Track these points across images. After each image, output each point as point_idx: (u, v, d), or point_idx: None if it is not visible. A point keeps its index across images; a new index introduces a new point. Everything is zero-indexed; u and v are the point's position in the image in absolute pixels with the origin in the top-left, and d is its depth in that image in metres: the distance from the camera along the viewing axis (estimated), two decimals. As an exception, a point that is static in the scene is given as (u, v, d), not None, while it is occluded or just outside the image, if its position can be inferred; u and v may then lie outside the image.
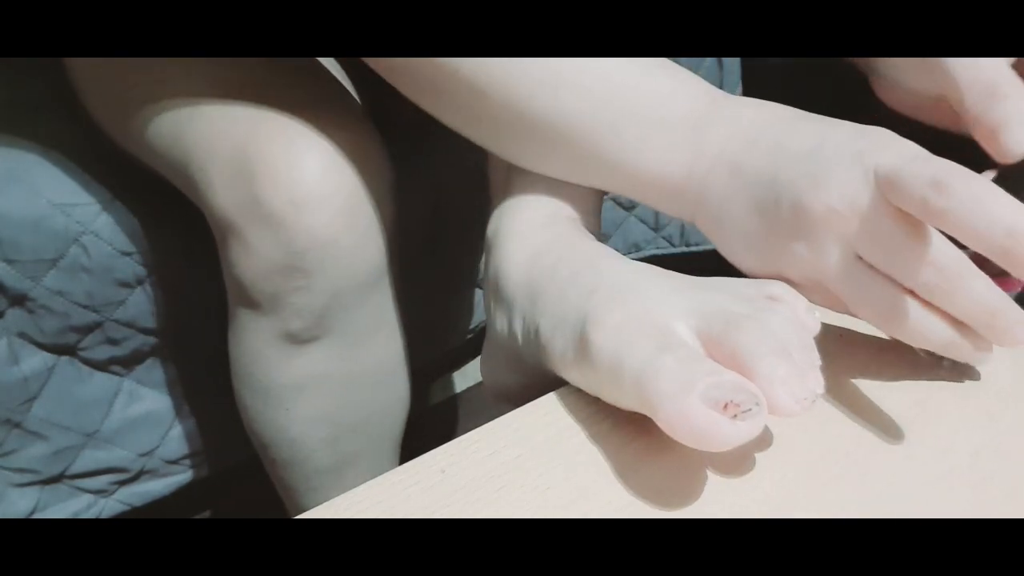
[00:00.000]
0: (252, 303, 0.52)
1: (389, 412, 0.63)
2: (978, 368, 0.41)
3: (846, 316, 0.40)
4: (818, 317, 0.37)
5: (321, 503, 0.35)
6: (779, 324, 0.34)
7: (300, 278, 0.50)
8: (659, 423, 0.32)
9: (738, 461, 0.37)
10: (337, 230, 0.49)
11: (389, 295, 0.58)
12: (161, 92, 0.54)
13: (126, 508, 0.76)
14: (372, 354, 0.58)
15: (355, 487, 0.36)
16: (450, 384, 0.97)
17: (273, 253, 0.49)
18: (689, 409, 0.31)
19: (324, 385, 0.57)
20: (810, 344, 0.35)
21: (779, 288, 0.37)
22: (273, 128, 0.49)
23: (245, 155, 0.48)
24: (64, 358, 0.67)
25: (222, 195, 0.49)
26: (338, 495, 0.36)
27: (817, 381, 0.33)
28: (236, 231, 0.49)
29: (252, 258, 0.50)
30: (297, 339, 0.54)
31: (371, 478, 0.36)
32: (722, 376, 0.31)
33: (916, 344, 0.37)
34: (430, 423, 0.71)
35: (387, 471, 0.37)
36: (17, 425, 0.66)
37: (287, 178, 0.47)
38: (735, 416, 0.30)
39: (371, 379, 0.59)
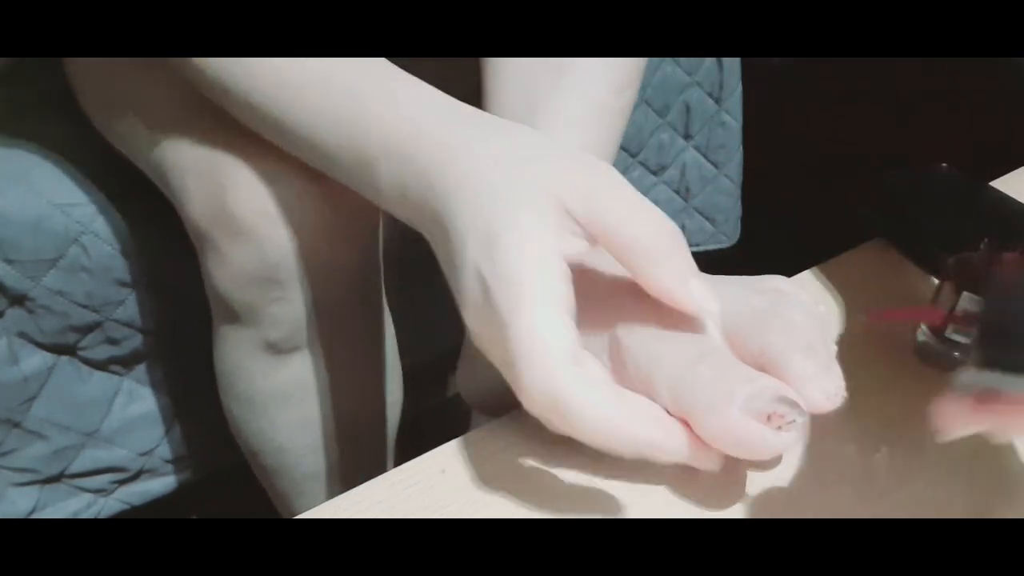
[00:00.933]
0: (231, 314, 0.52)
1: (378, 417, 0.63)
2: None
3: (846, 318, 0.40)
4: (822, 308, 0.38)
5: (312, 508, 0.35)
6: (800, 317, 0.35)
7: (276, 289, 0.49)
8: (700, 433, 0.32)
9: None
10: (312, 241, 0.48)
11: (373, 302, 0.57)
12: (144, 97, 0.53)
13: (126, 507, 0.76)
14: (357, 361, 0.58)
15: (346, 492, 0.36)
16: (450, 384, 0.97)
17: (247, 264, 0.48)
18: (731, 422, 0.31)
19: (308, 393, 0.56)
20: (825, 329, 0.36)
21: (781, 282, 0.39)
22: (247, 139, 0.48)
23: (218, 166, 0.47)
24: (64, 358, 0.67)
25: (197, 205, 0.48)
26: (328, 500, 0.36)
27: (838, 372, 0.34)
28: (211, 241, 0.49)
29: (227, 269, 0.49)
30: (278, 349, 0.53)
31: (363, 483, 0.36)
32: (758, 383, 0.32)
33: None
34: (430, 423, 0.71)
35: (381, 474, 0.37)
36: (17, 425, 0.66)
37: (260, 190, 0.47)
38: (780, 427, 0.31)
39: (357, 385, 0.59)
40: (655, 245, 0.33)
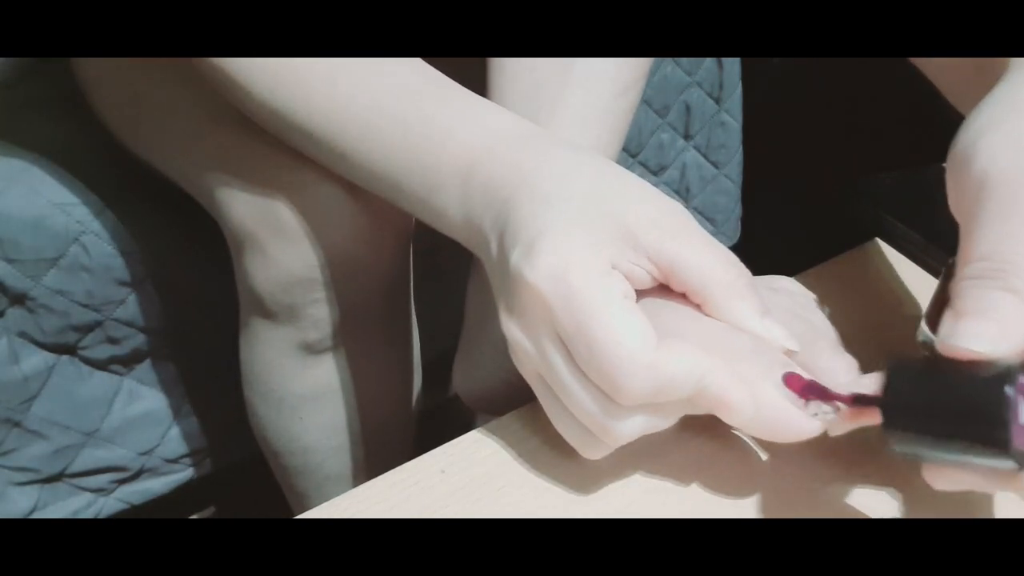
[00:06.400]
0: (268, 313, 0.52)
1: (402, 418, 0.63)
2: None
3: (846, 318, 0.40)
4: (827, 309, 0.39)
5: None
6: (817, 319, 0.37)
7: (318, 290, 0.50)
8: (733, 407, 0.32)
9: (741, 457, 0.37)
10: (357, 245, 0.49)
11: (405, 303, 0.58)
12: (178, 102, 0.53)
13: (126, 507, 0.76)
14: (387, 363, 0.58)
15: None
16: (450, 384, 0.97)
17: (292, 266, 0.49)
18: (767, 397, 0.31)
19: (339, 394, 0.56)
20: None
21: (788, 283, 0.40)
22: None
23: (264, 170, 0.48)
24: (64, 357, 0.67)
25: (240, 207, 0.48)
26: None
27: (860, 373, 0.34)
28: (255, 242, 0.49)
29: (271, 270, 0.49)
30: (313, 349, 0.53)
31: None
32: (795, 368, 0.32)
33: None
34: (430, 423, 0.71)
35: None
36: (17, 424, 0.66)
37: (306, 193, 0.47)
38: (815, 414, 0.31)
39: (385, 387, 0.59)
40: (732, 279, 0.33)
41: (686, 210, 0.35)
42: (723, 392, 0.31)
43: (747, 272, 0.34)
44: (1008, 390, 0.26)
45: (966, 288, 0.28)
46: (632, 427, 0.32)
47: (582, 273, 0.31)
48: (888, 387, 0.29)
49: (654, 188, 0.35)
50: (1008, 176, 0.29)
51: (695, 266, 0.33)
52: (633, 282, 0.33)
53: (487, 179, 0.36)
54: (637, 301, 0.33)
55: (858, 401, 0.31)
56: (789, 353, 0.33)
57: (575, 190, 0.34)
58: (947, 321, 0.28)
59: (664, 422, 0.33)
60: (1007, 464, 0.27)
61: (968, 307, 0.28)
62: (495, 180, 0.35)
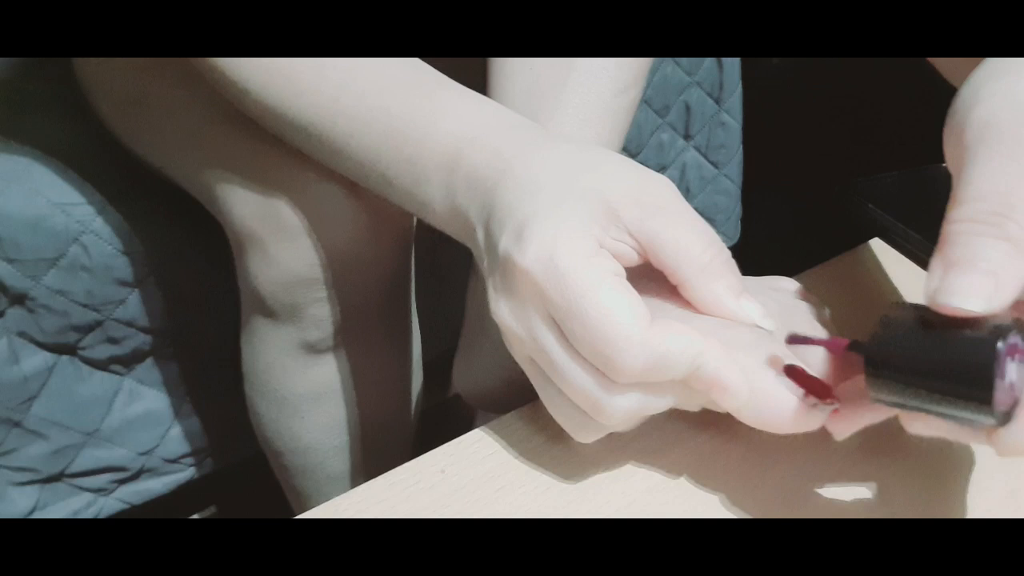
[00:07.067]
0: (270, 313, 0.52)
1: (402, 418, 0.63)
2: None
3: (846, 318, 0.40)
4: (827, 310, 0.39)
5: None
6: (819, 314, 0.37)
7: (320, 289, 0.50)
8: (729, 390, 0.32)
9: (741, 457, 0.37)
10: (359, 244, 0.49)
11: (406, 303, 0.58)
12: (179, 102, 0.53)
13: (125, 507, 0.76)
14: (388, 363, 0.58)
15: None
16: (451, 384, 0.97)
17: (294, 265, 0.49)
18: (767, 388, 0.31)
19: (340, 394, 0.57)
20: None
21: (787, 283, 0.39)
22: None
23: (266, 169, 0.48)
24: (64, 357, 0.67)
25: (242, 207, 0.49)
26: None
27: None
28: (256, 242, 0.49)
29: (272, 269, 0.49)
30: (315, 349, 0.53)
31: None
32: (796, 359, 0.32)
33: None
34: (430, 423, 0.71)
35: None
36: (17, 424, 0.66)
37: (308, 192, 0.47)
38: (814, 406, 0.31)
39: (385, 387, 0.60)
40: (709, 259, 0.33)
41: (670, 184, 0.35)
42: (718, 373, 0.31)
43: (725, 251, 0.34)
44: (1000, 347, 0.26)
45: (957, 234, 0.27)
46: (626, 404, 0.32)
47: (571, 254, 0.32)
48: (876, 336, 0.29)
49: (636, 164, 0.35)
50: (1013, 119, 0.27)
51: (671, 243, 0.33)
52: (620, 260, 0.33)
53: (470, 169, 0.36)
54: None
55: (852, 348, 0.31)
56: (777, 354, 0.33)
57: (558, 173, 0.34)
58: (936, 270, 0.27)
59: (659, 402, 0.33)
60: (988, 421, 0.27)
61: (958, 256, 0.26)
62: (478, 170, 0.36)
